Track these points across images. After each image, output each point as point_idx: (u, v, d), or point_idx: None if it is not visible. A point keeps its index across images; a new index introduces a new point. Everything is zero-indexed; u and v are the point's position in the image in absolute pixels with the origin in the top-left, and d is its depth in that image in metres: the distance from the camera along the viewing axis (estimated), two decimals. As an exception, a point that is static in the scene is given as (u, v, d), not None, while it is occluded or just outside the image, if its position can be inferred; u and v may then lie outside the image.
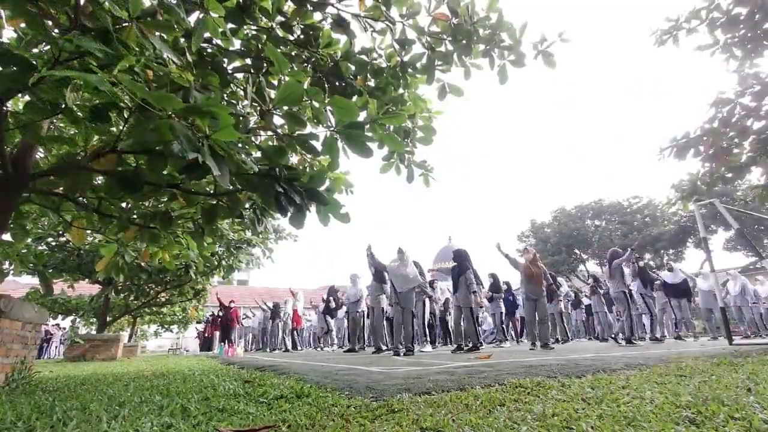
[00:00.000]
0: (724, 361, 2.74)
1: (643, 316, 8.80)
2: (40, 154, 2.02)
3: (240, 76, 2.55)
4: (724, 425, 1.08)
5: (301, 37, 2.56)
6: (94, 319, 11.00)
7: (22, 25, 1.44)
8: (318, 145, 1.80)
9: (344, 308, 10.07)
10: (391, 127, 2.89)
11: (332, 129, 1.76)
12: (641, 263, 8.16)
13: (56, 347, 18.31)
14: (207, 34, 1.62)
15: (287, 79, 1.71)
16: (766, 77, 4.79)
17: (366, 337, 9.15)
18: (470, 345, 6.03)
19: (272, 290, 28.39)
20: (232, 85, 2.37)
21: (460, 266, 6.39)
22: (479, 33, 2.69)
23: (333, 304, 10.95)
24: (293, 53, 2.59)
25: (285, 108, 1.66)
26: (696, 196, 5.73)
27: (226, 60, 2.33)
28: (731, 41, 5.00)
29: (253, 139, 2.26)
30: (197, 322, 17.67)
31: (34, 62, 1.18)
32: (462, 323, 6.26)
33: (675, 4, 10.20)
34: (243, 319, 15.75)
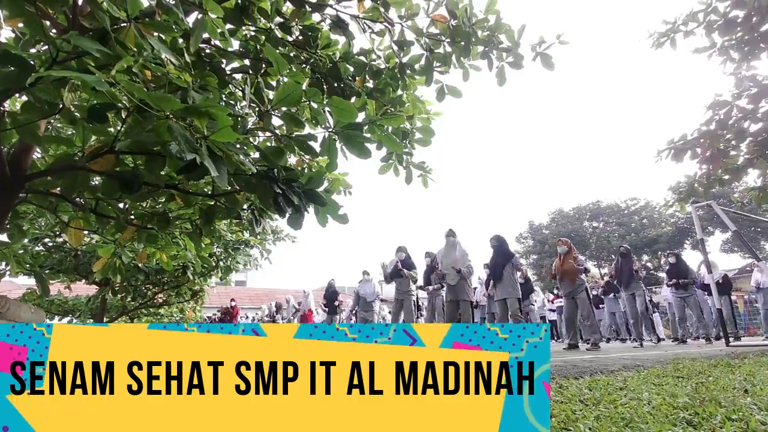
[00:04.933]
0: (721, 362, 2.75)
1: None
2: (37, 154, 2.01)
3: (238, 76, 2.54)
4: (721, 426, 1.08)
5: (300, 38, 2.56)
6: (91, 320, 10.95)
7: (20, 25, 1.43)
8: (316, 146, 1.80)
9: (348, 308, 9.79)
10: (390, 129, 2.89)
11: (331, 130, 1.76)
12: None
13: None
14: (205, 35, 1.62)
15: (286, 80, 1.71)
16: (763, 80, 4.82)
17: None
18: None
19: (271, 291, 28.34)
20: (230, 85, 2.37)
21: (502, 254, 5.48)
22: (478, 35, 2.70)
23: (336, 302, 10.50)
24: (292, 54, 2.59)
25: (283, 109, 1.66)
26: (693, 198, 5.76)
27: (224, 61, 2.32)
28: (728, 44, 5.02)
29: (251, 139, 2.25)
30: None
31: (32, 62, 1.17)
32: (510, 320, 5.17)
33: (674, 5, 10.23)
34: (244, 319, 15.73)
